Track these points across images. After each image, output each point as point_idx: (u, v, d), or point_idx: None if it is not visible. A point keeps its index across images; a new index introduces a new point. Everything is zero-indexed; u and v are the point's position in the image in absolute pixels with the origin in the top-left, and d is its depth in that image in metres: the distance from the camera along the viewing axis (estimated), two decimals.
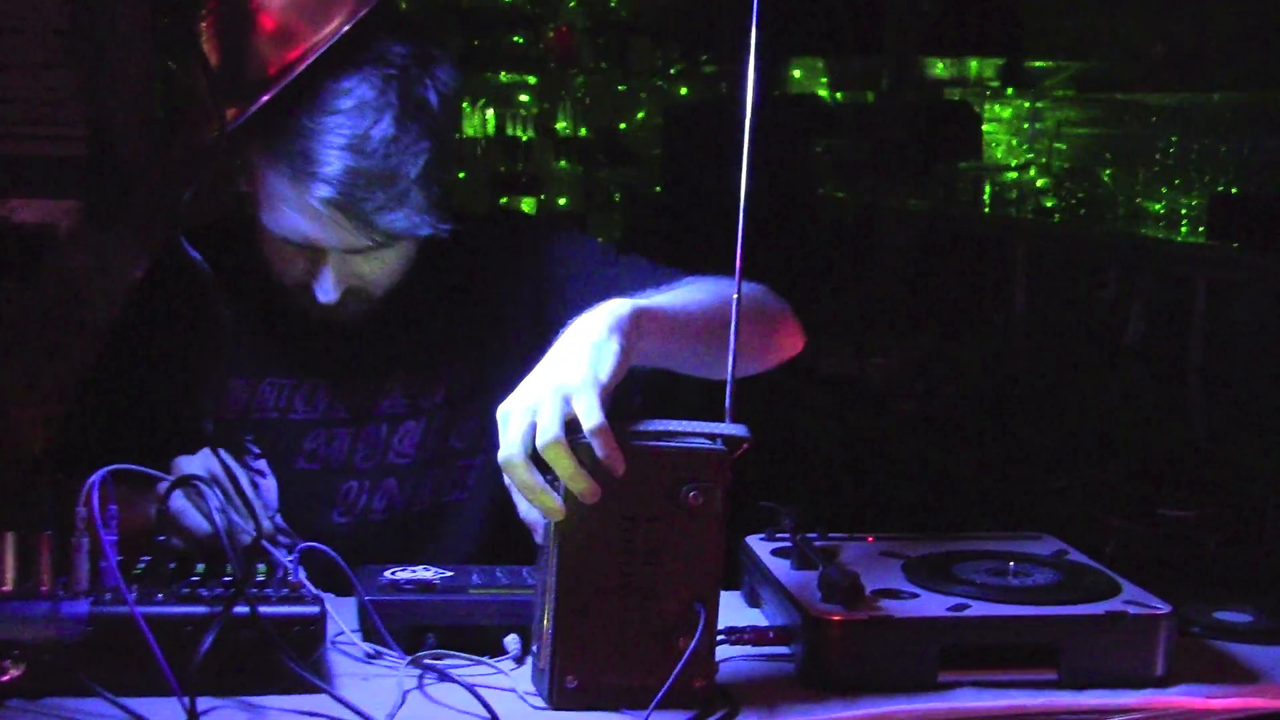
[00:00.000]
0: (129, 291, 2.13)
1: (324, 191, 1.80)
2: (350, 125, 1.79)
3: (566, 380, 1.50)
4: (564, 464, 1.47)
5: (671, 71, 6.37)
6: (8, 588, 1.51)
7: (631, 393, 2.02)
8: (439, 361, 2.05)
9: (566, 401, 1.48)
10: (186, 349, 1.98)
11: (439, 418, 2.04)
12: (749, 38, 1.58)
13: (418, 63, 1.84)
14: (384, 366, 2.03)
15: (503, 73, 6.13)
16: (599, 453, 1.46)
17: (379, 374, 2.03)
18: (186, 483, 1.68)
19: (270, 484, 1.89)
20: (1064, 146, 4.89)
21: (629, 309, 1.60)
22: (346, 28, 1.66)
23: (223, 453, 1.76)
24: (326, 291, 1.89)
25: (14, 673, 1.47)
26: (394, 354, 2.04)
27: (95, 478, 1.50)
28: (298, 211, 1.83)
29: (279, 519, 1.83)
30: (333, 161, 1.79)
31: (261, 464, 1.91)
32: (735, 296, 1.57)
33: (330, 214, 1.82)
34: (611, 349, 1.55)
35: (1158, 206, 4.34)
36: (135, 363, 2.04)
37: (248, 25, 1.65)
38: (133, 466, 1.58)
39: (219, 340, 1.92)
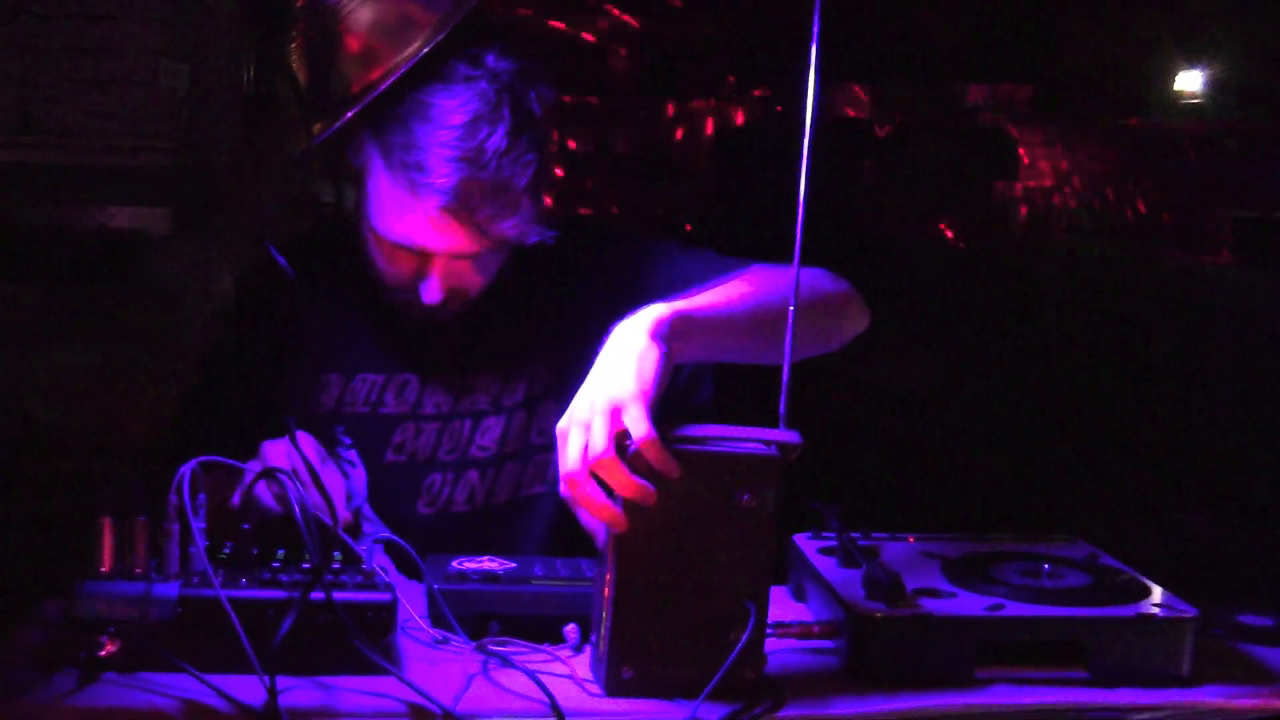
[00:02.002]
0: (231, 294, 2.14)
1: (441, 202, 1.80)
2: (465, 138, 1.79)
3: (614, 393, 1.50)
4: (616, 478, 1.47)
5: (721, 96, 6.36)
6: (105, 569, 1.52)
7: (702, 384, 2.03)
8: (521, 361, 2.05)
9: (616, 415, 1.48)
10: (280, 349, 1.99)
11: (519, 415, 2.04)
12: (809, 59, 1.59)
13: (524, 78, 1.85)
14: (470, 365, 2.03)
15: (566, 94, 6.14)
16: (651, 463, 1.46)
17: (465, 371, 2.03)
18: (270, 474, 1.68)
19: (359, 474, 1.90)
20: (1095, 169, 4.84)
21: (669, 313, 1.59)
22: (426, 49, 1.66)
23: (303, 440, 1.75)
24: (432, 293, 1.89)
25: (110, 648, 1.47)
26: (479, 353, 2.03)
27: (185, 468, 1.51)
28: (414, 220, 1.83)
29: (366, 508, 1.83)
30: (449, 174, 1.79)
31: (352, 454, 1.92)
32: (790, 308, 1.56)
33: (445, 223, 1.82)
34: (653, 356, 1.54)
35: (1184, 228, 4.29)
36: (235, 362, 2.05)
37: (334, 45, 1.65)
38: (221, 459, 1.59)
39: (302, 341, 1.94)
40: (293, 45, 1.65)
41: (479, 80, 1.81)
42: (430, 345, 2.02)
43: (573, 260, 2.07)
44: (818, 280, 1.94)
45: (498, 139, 1.80)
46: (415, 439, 2.01)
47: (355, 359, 2.02)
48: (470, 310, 1.98)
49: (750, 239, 2.22)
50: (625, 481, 1.46)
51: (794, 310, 1.57)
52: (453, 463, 2.03)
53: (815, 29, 1.61)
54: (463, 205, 1.80)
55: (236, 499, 1.70)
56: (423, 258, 1.88)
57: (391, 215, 1.85)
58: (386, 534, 1.67)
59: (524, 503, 2.03)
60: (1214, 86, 4.24)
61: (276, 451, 1.77)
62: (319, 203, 3.97)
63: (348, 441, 1.96)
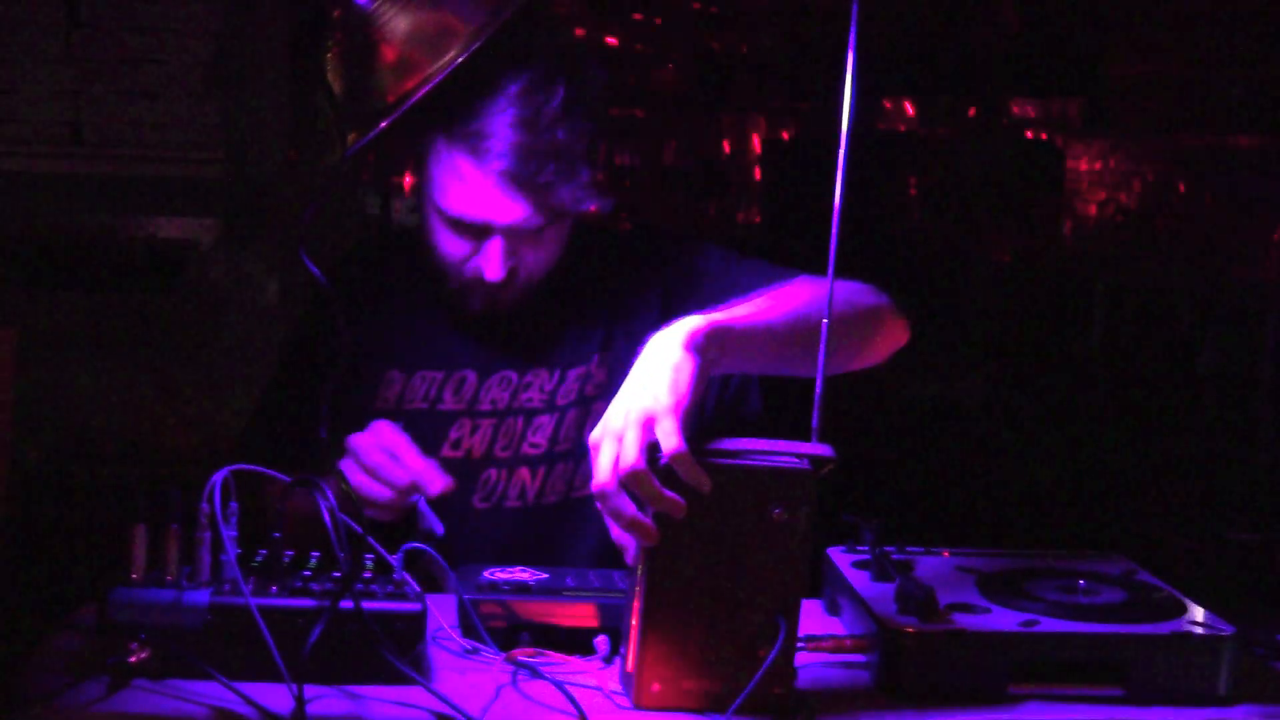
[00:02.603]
0: (304, 305, 2.20)
1: (502, 166, 1.84)
2: (523, 104, 1.84)
3: (647, 405, 1.48)
4: (646, 491, 1.45)
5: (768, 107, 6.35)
6: (138, 576, 1.52)
7: (749, 395, 2.05)
8: (575, 360, 2.05)
9: (649, 427, 1.47)
10: (347, 348, 2.00)
11: (571, 413, 2.04)
12: (847, 69, 1.58)
13: (577, 56, 1.91)
14: (525, 362, 2.05)
15: (613, 106, 6.14)
16: (682, 476, 1.44)
17: (520, 369, 2.04)
18: (306, 483, 1.68)
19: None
20: (1143, 183, 4.80)
21: (705, 324, 1.58)
22: (462, 59, 1.66)
23: (386, 428, 1.83)
24: (494, 270, 1.92)
25: (140, 654, 1.47)
26: (535, 350, 2.05)
27: (217, 477, 1.50)
28: (477, 190, 1.87)
29: (422, 503, 1.82)
30: (508, 138, 1.84)
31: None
32: (824, 321, 1.55)
33: (507, 191, 1.86)
34: (688, 368, 1.53)
35: (1232, 242, 4.25)
36: (300, 372, 2.08)
37: (370, 56, 1.65)
38: (255, 468, 1.58)
39: (339, 352, 1.93)
40: (329, 55, 1.66)
41: (535, 55, 1.87)
42: (487, 342, 2.04)
43: (630, 262, 2.09)
44: (857, 294, 1.93)
45: (554, 104, 1.85)
46: (471, 435, 2.02)
47: (416, 356, 2.05)
48: (527, 307, 2.01)
49: (798, 251, 2.21)
50: (655, 494, 1.45)
51: (829, 322, 1.56)
52: (506, 459, 2.03)
53: (852, 41, 1.61)
54: (523, 170, 1.84)
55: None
56: (484, 234, 1.91)
57: (455, 188, 1.89)
58: (410, 544, 1.66)
59: (574, 504, 2.02)
60: (1264, 99, 4.20)
61: (362, 443, 1.80)
62: (363, 213, 3.99)
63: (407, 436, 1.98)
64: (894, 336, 1.96)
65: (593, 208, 1.91)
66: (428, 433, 1.99)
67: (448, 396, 2.04)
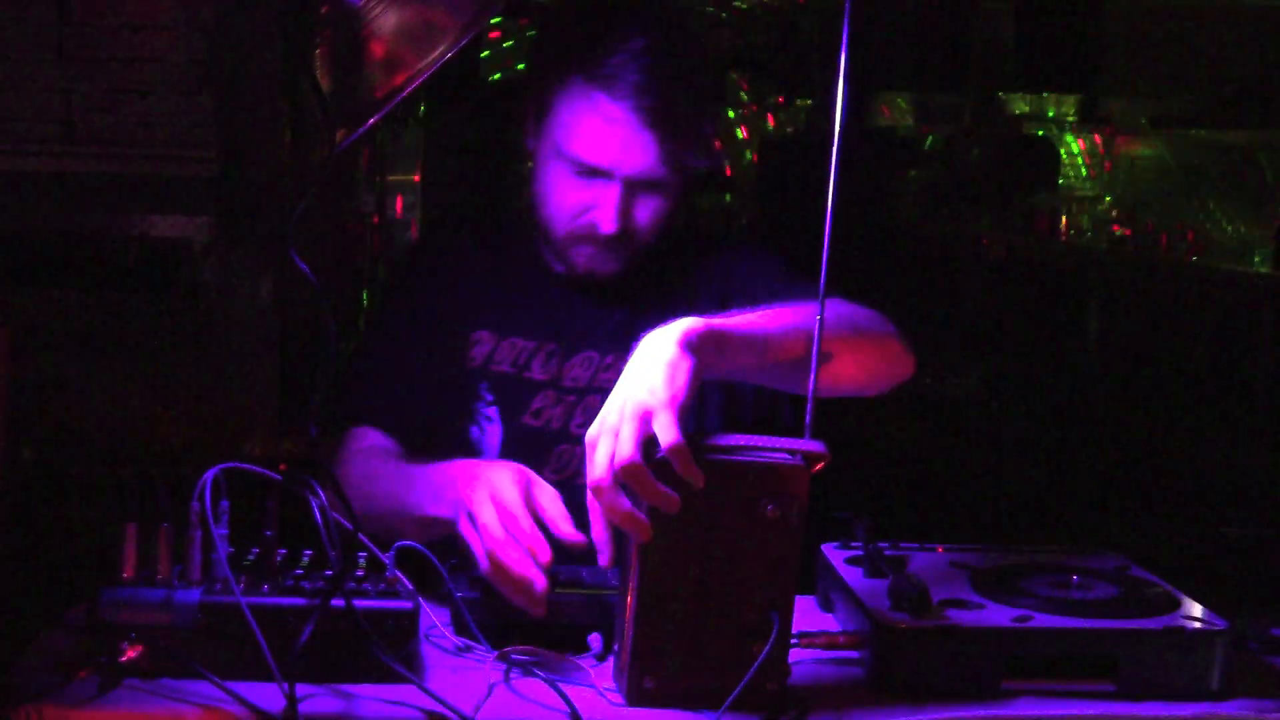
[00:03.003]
0: (401, 264, 2.25)
1: (636, 105, 1.92)
2: (662, 48, 1.94)
3: (643, 400, 1.49)
4: (643, 485, 1.45)
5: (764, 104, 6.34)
6: (128, 575, 1.51)
7: (744, 402, 2.08)
8: None
9: (645, 422, 1.47)
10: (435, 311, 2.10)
11: None
12: (839, 67, 1.59)
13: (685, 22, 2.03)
14: (607, 345, 2.09)
15: None
16: (677, 470, 1.44)
17: (602, 350, 2.09)
18: (297, 482, 1.67)
19: (495, 430, 2.02)
20: (1136, 180, 4.80)
21: (701, 326, 1.59)
22: (450, 55, 1.66)
23: (507, 469, 1.73)
24: (610, 221, 1.97)
25: (131, 654, 1.47)
26: (619, 332, 2.07)
27: (207, 475, 1.50)
28: (607, 130, 1.93)
29: None
30: (640, 78, 1.92)
31: (491, 411, 1.97)
32: (819, 317, 1.55)
33: (637, 131, 1.93)
34: (684, 366, 1.53)
35: (1227, 238, 4.24)
36: (393, 335, 2.13)
37: (358, 52, 1.65)
38: (245, 465, 1.58)
39: (456, 298, 2.07)
40: (317, 52, 1.65)
41: (656, 18, 1.97)
42: (575, 321, 2.09)
43: (703, 257, 2.15)
44: (868, 321, 1.95)
45: (688, 52, 1.96)
46: (552, 407, 2.07)
47: (507, 322, 2.10)
48: (616, 289, 2.07)
49: (793, 246, 2.22)
50: (651, 489, 1.45)
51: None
52: (581, 436, 2.04)
53: (845, 37, 1.61)
54: (658, 112, 1.92)
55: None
56: (604, 185, 1.97)
57: (586, 131, 1.95)
58: (401, 543, 1.65)
59: None
60: (1257, 95, 4.19)
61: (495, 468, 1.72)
62: (358, 210, 3.99)
63: (490, 398, 2.05)
64: (900, 367, 1.97)
65: (708, 164, 1.99)
66: (511, 398, 2.06)
67: (535, 366, 2.08)
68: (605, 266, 2.05)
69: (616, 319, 2.10)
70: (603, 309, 2.10)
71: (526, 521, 1.61)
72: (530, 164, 2.09)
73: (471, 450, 2.04)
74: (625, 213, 1.98)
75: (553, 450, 2.06)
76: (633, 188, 1.98)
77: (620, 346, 2.07)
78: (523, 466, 1.69)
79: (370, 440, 2.04)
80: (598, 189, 1.98)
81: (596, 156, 1.96)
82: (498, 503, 1.62)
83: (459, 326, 2.10)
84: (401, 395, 2.07)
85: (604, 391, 2.04)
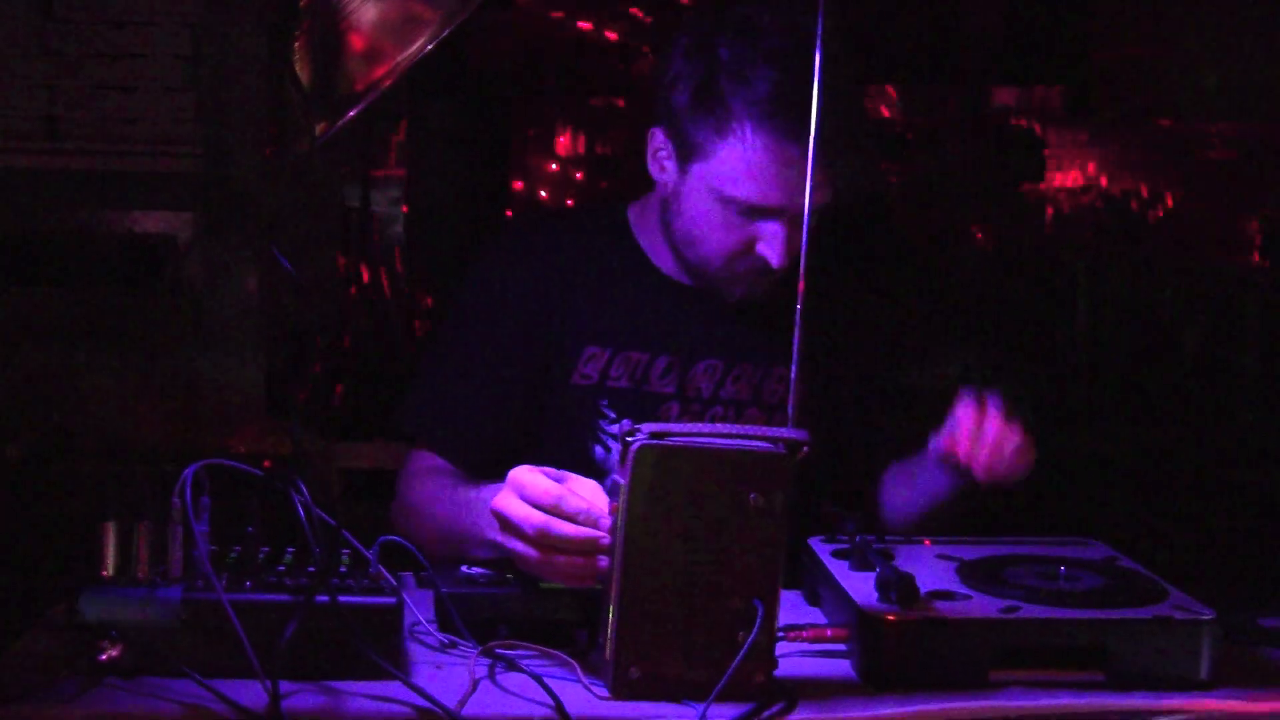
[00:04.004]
0: (475, 274, 2.20)
1: (803, 140, 1.81)
2: (831, 80, 1.84)
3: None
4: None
5: None
6: (109, 573, 1.50)
7: None
8: (775, 360, 2.09)
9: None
10: (530, 324, 2.07)
11: (779, 415, 2.08)
12: (815, 58, 1.63)
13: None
14: (730, 353, 2.08)
15: (594, 97, 6.12)
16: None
17: (726, 360, 2.08)
18: (275, 478, 1.66)
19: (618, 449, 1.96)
20: (1124, 171, 4.80)
21: None
22: (430, 47, 1.64)
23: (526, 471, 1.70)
24: (780, 255, 1.94)
25: (111, 652, 1.46)
26: (738, 344, 2.08)
27: (188, 472, 1.49)
28: (772, 173, 1.90)
29: None
30: (805, 115, 1.80)
31: (615, 428, 1.95)
32: (799, 300, 1.55)
33: (802, 167, 1.83)
34: None
35: (1214, 229, 4.24)
36: (480, 344, 2.09)
37: (338, 45, 1.64)
38: (227, 462, 1.57)
39: (559, 315, 2.05)
40: (296, 44, 1.64)
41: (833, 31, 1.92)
42: (693, 327, 2.07)
43: (849, 275, 2.17)
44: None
45: (835, 87, 1.85)
46: (677, 418, 2.06)
47: (620, 335, 2.07)
48: (736, 302, 2.05)
49: None
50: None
51: (801, 306, 1.59)
52: None
53: (819, 28, 1.62)
54: (828, 147, 1.84)
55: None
56: (770, 226, 1.93)
57: (753, 176, 1.90)
58: (386, 537, 1.64)
59: None
60: (1244, 87, 4.20)
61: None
62: (343, 205, 3.97)
63: (612, 415, 2.02)
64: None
65: (868, 185, 1.96)
66: (633, 413, 1.98)
67: (654, 379, 2.06)
68: (763, 291, 2.03)
69: (733, 326, 2.08)
70: (718, 316, 2.07)
71: (570, 496, 1.58)
72: (666, 197, 2.04)
73: (597, 470, 1.97)
74: (790, 244, 1.96)
75: None
76: (797, 218, 1.93)
77: (743, 355, 2.09)
78: (552, 469, 1.65)
79: (431, 462, 2.03)
80: (764, 226, 1.95)
81: (767, 198, 1.92)
82: (525, 495, 1.60)
83: (564, 343, 2.06)
84: (472, 418, 2.03)
85: (730, 403, 2.08)
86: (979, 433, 1.84)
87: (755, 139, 1.90)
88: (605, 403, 2.04)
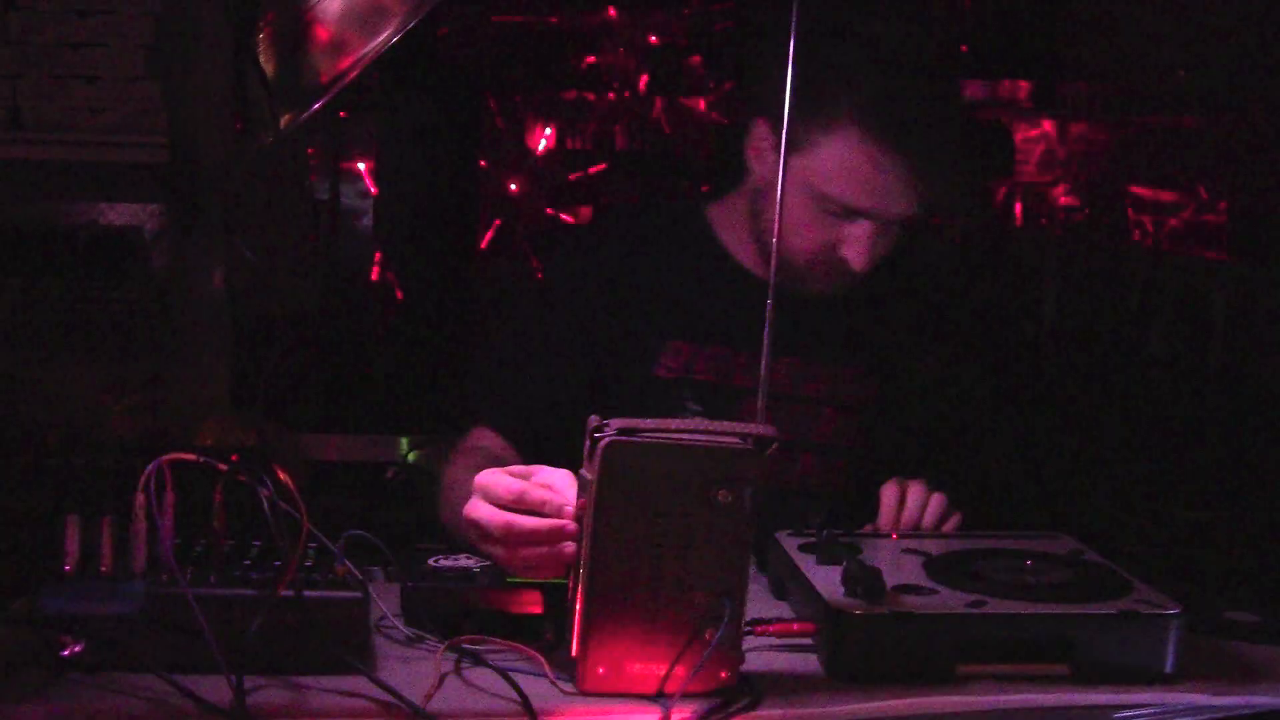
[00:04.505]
0: (550, 266, 2.25)
1: (907, 151, 1.90)
2: (927, 101, 1.94)
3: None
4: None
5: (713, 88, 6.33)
6: (70, 568, 1.49)
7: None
8: (851, 360, 2.14)
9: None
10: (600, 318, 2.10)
11: (857, 414, 2.14)
12: (789, 51, 1.63)
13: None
14: (809, 351, 2.12)
15: (565, 90, 6.12)
16: None
17: (804, 357, 2.12)
18: (239, 472, 1.65)
19: None
20: (1092, 165, 4.82)
21: None
22: (397, 38, 1.64)
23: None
24: (863, 259, 1.98)
25: (74, 648, 1.45)
26: (816, 343, 2.12)
27: (151, 466, 1.48)
28: (879, 177, 1.92)
29: None
30: (914, 128, 1.91)
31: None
32: (769, 301, 1.55)
33: (910, 179, 1.92)
34: None
35: (1181, 224, 4.27)
36: (548, 335, 2.12)
37: (302, 36, 1.63)
38: (192, 455, 1.56)
39: (636, 308, 2.08)
40: (260, 36, 1.63)
41: (946, 49, 1.99)
42: (777, 328, 2.06)
43: (907, 276, 2.19)
44: None
45: (947, 105, 1.98)
46: (758, 416, 2.04)
47: (706, 331, 2.10)
48: (817, 299, 2.07)
49: None
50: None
51: (772, 307, 1.63)
52: (789, 443, 2.07)
53: (794, 21, 1.62)
54: (934, 161, 1.92)
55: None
56: (857, 227, 1.96)
57: (856, 177, 1.93)
58: (351, 532, 1.64)
59: (852, 497, 2.07)
60: (1213, 82, 4.22)
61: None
62: (312, 197, 3.96)
63: (697, 408, 2.05)
64: None
65: (961, 204, 1.99)
66: (718, 406, 2.06)
67: (738, 374, 2.09)
68: (841, 291, 2.07)
69: (813, 326, 2.11)
70: (799, 315, 2.07)
71: (531, 489, 1.55)
72: (759, 188, 2.06)
73: None
74: (874, 248, 1.99)
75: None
76: (885, 224, 1.98)
77: (820, 354, 2.12)
78: (523, 466, 1.63)
79: (483, 442, 2.04)
80: (852, 227, 1.97)
81: (864, 203, 1.95)
82: (488, 496, 1.58)
83: (644, 336, 2.09)
84: (529, 396, 2.06)
85: (808, 401, 2.11)
86: (900, 512, 1.89)
87: (857, 141, 1.92)
88: (689, 397, 2.07)
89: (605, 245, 2.15)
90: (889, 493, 1.90)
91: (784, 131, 1.66)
